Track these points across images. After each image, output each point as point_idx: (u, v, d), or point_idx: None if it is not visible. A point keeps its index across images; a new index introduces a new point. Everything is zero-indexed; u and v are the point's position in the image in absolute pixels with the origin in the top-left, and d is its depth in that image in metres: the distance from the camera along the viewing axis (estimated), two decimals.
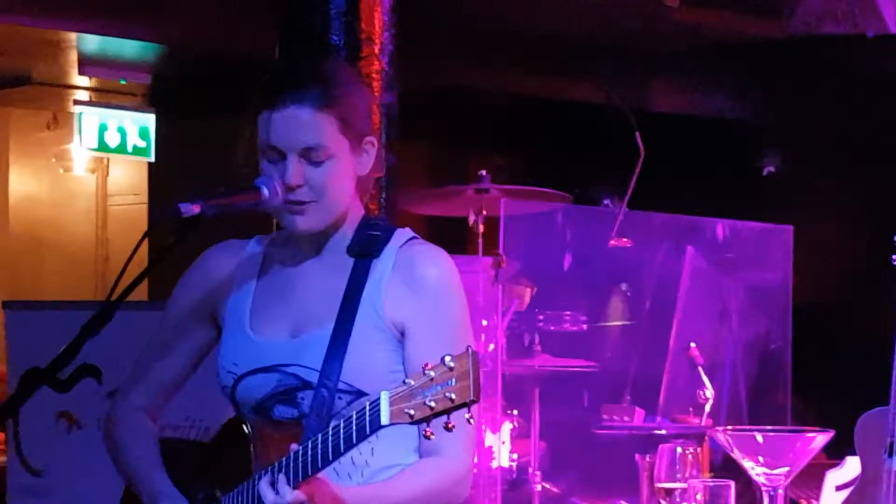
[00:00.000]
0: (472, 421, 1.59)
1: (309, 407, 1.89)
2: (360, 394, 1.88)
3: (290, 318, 1.98)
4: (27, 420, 3.59)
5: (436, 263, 1.93)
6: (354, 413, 1.60)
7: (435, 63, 4.78)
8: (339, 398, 1.85)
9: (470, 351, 1.51)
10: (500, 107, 5.71)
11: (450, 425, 1.54)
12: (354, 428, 1.59)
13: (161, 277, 2.29)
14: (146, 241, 2.10)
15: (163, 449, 2.08)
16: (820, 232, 5.00)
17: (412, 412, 1.52)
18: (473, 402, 1.49)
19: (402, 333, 1.90)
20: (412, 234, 1.97)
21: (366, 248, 1.94)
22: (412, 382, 1.55)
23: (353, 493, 1.78)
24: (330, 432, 1.69)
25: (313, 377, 1.88)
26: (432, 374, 1.54)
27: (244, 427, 1.93)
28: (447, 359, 1.52)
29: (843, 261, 4.47)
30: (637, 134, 4.56)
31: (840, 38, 4.67)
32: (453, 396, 1.49)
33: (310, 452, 1.69)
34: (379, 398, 1.55)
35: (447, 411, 1.50)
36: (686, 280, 4.75)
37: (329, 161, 1.87)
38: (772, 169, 6.44)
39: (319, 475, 1.68)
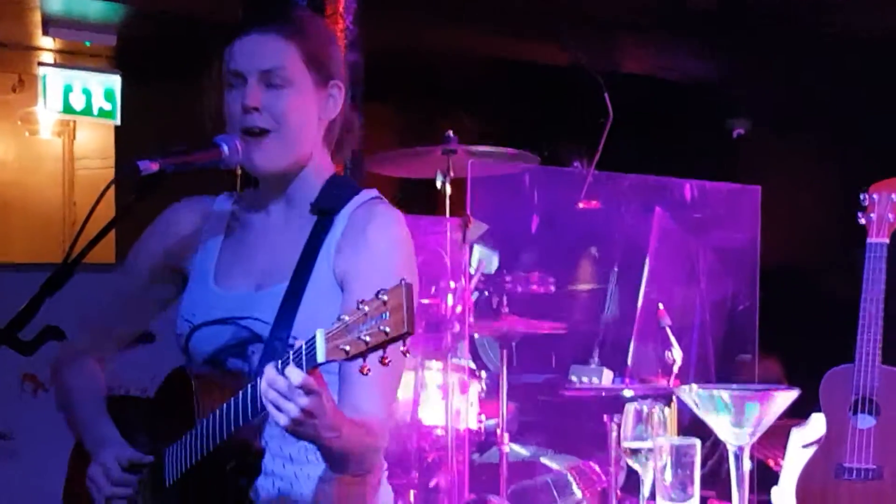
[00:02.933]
0: (388, 363, 1.52)
1: (258, 361, 1.82)
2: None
3: (254, 272, 1.93)
4: None
5: (385, 223, 1.88)
6: (291, 352, 1.55)
7: (401, 23, 4.60)
8: (287, 348, 1.76)
9: (404, 283, 1.45)
10: (468, 68, 5.57)
11: (365, 369, 1.49)
12: (292, 364, 1.54)
13: (128, 238, 2.20)
14: (113, 204, 2.09)
15: (108, 404, 2.01)
16: (788, 193, 4.92)
17: (347, 348, 1.47)
18: (408, 333, 1.45)
19: (342, 288, 1.86)
20: (376, 194, 1.91)
21: (328, 205, 1.89)
22: (346, 318, 1.51)
23: (338, 411, 1.69)
24: (269, 367, 1.63)
25: (266, 331, 1.83)
26: (366, 308, 1.49)
27: (189, 380, 1.85)
28: (381, 293, 1.47)
29: (811, 221, 4.41)
30: (606, 96, 4.41)
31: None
32: (388, 329, 1.44)
33: (249, 391, 1.63)
34: (315, 336, 1.52)
35: (382, 345, 1.46)
36: (654, 242, 4.60)
37: (289, 88, 1.82)
38: (741, 131, 6.34)
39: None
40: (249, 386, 1.64)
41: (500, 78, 5.65)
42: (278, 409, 1.53)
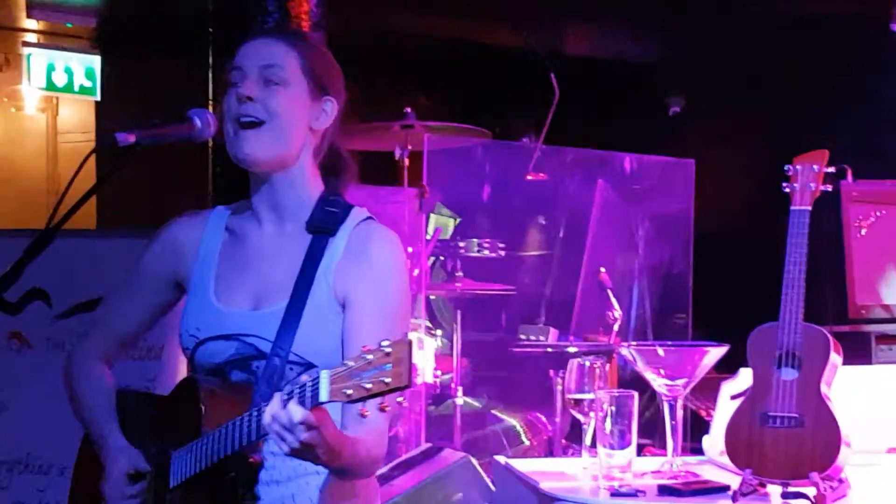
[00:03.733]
0: (387, 409, 1.56)
1: (261, 375, 1.82)
2: (309, 365, 1.84)
3: (251, 289, 1.91)
4: None
5: (385, 244, 1.87)
6: (297, 388, 1.56)
7: (363, 6, 4.65)
8: (290, 368, 1.79)
9: (406, 340, 1.48)
10: (426, 49, 5.58)
11: (364, 412, 1.50)
12: (296, 400, 1.56)
13: (107, 206, 2.34)
14: (94, 174, 2.09)
15: (120, 398, 2.03)
16: (720, 166, 5.01)
17: (349, 392, 1.48)
18: (406, 387, 1.47)
19: (344, 306, 1.83)
20: (368, 214, 1.90)
21: (324, 225, 1.87)
22: (351, 364, 1.51)
23: (340, 434, 1.70)
24: (275, 398, 1.63)
25: (267, 347, 1.82)
26: (370, 357, 1.50)
27: (198, 389, 1.86)
28: (384, 344, 1.49)
29: (741, 191, 4.44)
30: (552, 76, 4.46)
31: None
32: (388, 381, 1.46)
33: (255, 417, 1.64)
34: (319, 376, 1.52)
35: (381, 394, 1.47)
36: (597, 211, 4.71)
37: (284, 87, 1.81)
38: (677, 109, 6.39)
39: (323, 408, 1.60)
40: (255, 411, 1.66)
41: (456, 59, 5.65)
42: (281, 438, 1.55)
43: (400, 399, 1.69)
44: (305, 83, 1.85)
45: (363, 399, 1.49)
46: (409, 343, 1.48)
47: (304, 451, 1.57)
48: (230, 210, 2.00)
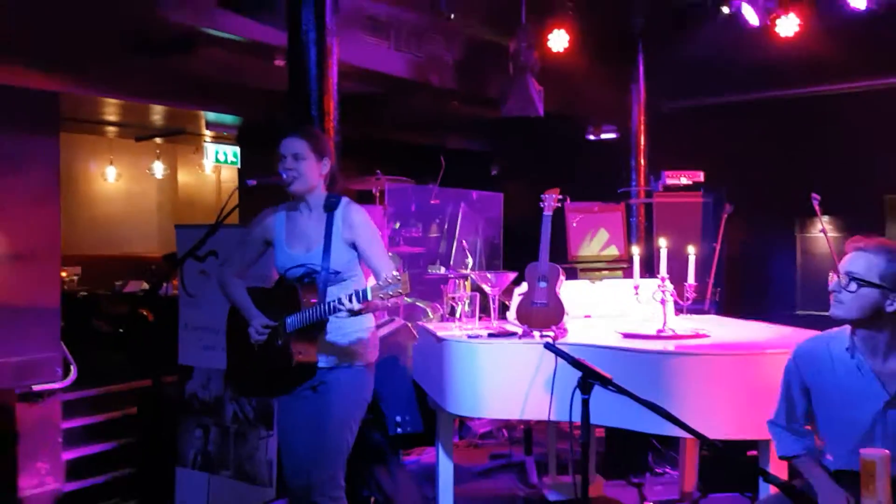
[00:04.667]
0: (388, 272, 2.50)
1: (318, 277, 2.73)
2: (337, 272, 2.75)
3: (303, 242, 2.81)
4: (188, 273, 4.45)
5: (359, 214, 2.81)
6: (359, 291, 2.46)
7: (360, 126, 6.61)
8: (329, 274, 2.70)
9: (407, 275, 2.34)
10: (389, 151, 7.98)
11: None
12: (353, 295, 2.50)
13: (245, 214, 3.10)
14: (237, 198, 2.99)
15: (250, 291, 2.90)
16: (515, 196, 6.71)
17: (381, 295, 2.42)
18: (408, 292, 2.41)
19: (353, 245, 2.76)
20: (349, 199, 2.83)
21: (330, 207, 2.79)
22: (380, 282, 2.41)
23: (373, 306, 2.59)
24: (343, 296, 2.52)
25: (318, 267, 2.74)
26: (389, 279, 2.40)
27: (294, 285, 2.74)
28: (396, 273, 2.38)
29: (523, 206, 4.90)
30: (441, 157, 6.20)
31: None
32: (400, 290, 2.39)
33: (334, 303, 2.52)
34: (367, 288, 2.45)
35: (396, 294, 2.38)
36: (462, 217, 6.54)
37: (303, 161, 2.77)
38: (496, 171, 10.03)
39: None
40: (335, 300, 2.48)
41: (400, 148, 8.22)
42: (347, 315, 2.48)
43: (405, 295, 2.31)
44: (314, 157, 2.73)
45: (388, 298, 2.39)
46: (407, 274, 2.36)
47: (356, 315, 2.57)
48: (286, 206, 2.84)
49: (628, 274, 5.09)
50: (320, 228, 2.77)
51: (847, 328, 2.41)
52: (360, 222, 2.77)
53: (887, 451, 2.13)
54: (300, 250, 2.79)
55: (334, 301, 2.54)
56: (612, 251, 6.27)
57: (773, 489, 2.14)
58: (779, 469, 2.84)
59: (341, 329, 2.81)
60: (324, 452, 2.78)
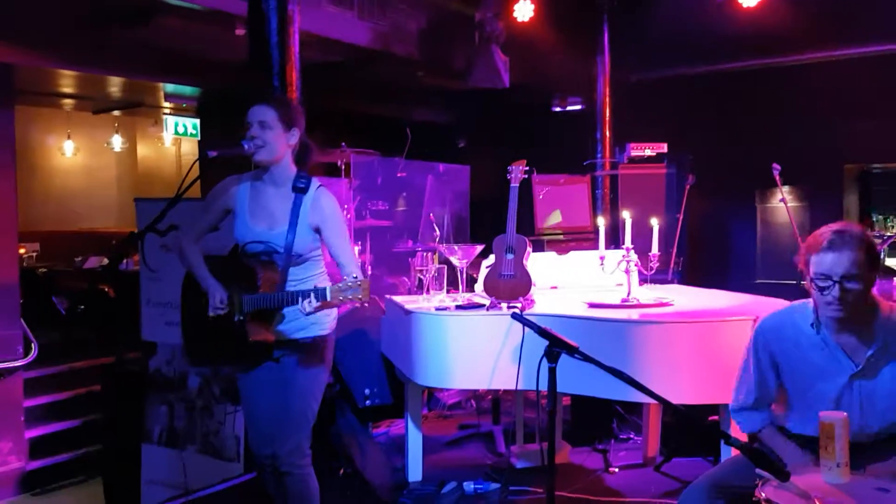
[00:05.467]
0: (353, 269, 2.55)
1: (278, 258, 2.69)
2: (299, 255, 2.70)
3: (266, 218, 2.76)
4: (150, 248, 4.38)
5: (330, 201, 2.75)
6: (316, 290, 2.45)
7: (326, 97, 6.25)
8: (291, 256, 2.66)
9: (368, 279, 2.37)
10: (355, 123, 7.99)
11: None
12: (312, 294, 2.49)
13: (205, 186, 3.04)
14: (197, 170, 2.80)
15: (206, 259, 2.85)
16: (481, 169, 6.87)
17: (340, 297, 2.44)
18: (365, 301, 2.44)
19: (318, 230, 2.73)
20: (320, 183, 2.78)
21: (301, 188, 2.75)
22: (341, 285, 2.40)
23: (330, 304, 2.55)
24: (301, 293, 2.51)
25: (279, 247, 2.71)
26: (350, 283, 2.40)
27: (251, 263, 2.70)
28: (359, 278, 2.40)
29: (490, 179, 5.26)
30: (407, 129, 6.14)
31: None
32: (360, 296, 2.43)
33: (295, 296, 2.50)
34: (326, 287, 2.43)
35: (355, 299, 2.42)
36: (428, 190, 6.61)
37: (270, 129, 2.71)
38: (463, 143, 9.92)
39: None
40: (298, 295, 2.48)
41: (367, 120, 8.16)
42: (304, 310, 2.48)
43: (362, 300, 2.40)
44: (281, 126, 2.68)
45: (346, 301, 2.42)
46: (367, 280, 2.37)
47: (314, 313, 2.58)
48: (251, 176, 2.79)
49: (594, 245, 5.05)
50: (286, 208, 2.73)
51: (810, 301, 2.41)
52: (331, 213, 2.75)
53: (845, 414, 2.18)
54: (263, 226, 2.76)
55: (293, 296, 2.55)
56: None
57: (734, 451, 2.15)
58: (739, 432, 2.89)
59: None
60: (288, 423, 2.78)
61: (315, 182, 2.77)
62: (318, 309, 2.51)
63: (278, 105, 2.76)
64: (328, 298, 2.45)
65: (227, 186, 2.86)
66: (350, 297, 2.40)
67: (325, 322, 2.83)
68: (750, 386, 2.53)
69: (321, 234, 2.74)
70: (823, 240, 2.26)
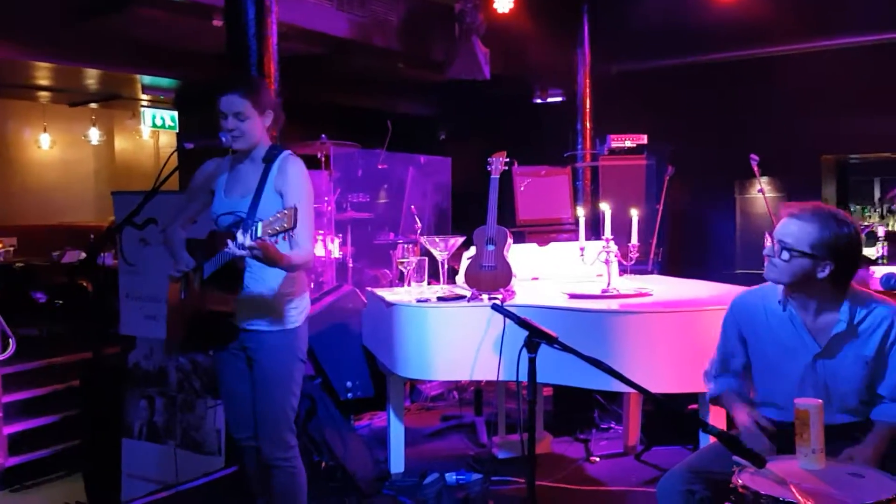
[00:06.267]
0: (302, 232, 2.46)
1: (244, 226, 2.58)
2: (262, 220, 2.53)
3: (239, 191, 2.80)
4: (127, 241, 4.41)
5: (295, 166, 2.75)
6: (251, 230, 2.38)
7: (306, 86, 6.47)
8: (255, 222, 2.50)
9: (294, 207, 2.32)
10: (335, 115, 8.00)
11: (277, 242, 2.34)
12: (249, 236, 2.41)
13: (183, 177, 3.01)
14: (176, 161, 2.78)
15: (187, 241, 2.84)
16: (461, 161, 6.94)
17: (270, 231, 2.37)
18: (293, 228, 2.33)
19: (281, 195, 2.70)
20: (290, 152, 2.82)
21: (269, 158, 2.77)
22: (271, 219, 2.36)
23: (277, 251, 2.47)
24: (236, 228, 2.52)
25: (244, 214, 2.71)
26: (279, 215, 2.37)
27: (220, 235, 2.67)
28: (286, 209, 2.35)
29: (471, 170, 5.33)
30: (388, 122, 6.09)
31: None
32: (286, 224, 2.36)
33: (233, 245, 2.46)
34: (258, 224, 2.37)
35: (284, 230, 2.35)
36: (409, 182, 6.69)
37: (247, 119, 2.72)
38: (443, 136, 9.97)
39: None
40: (231, 243, 2.42)
41: (349, 115, 8.09)
42: (244, 253, 2.40)
43: (293, 233, 2.34)
44: (256, 113, 2.71)
45: (277, 234, 2.33)
46: (296, 208, 2.29)
47: (259, 258, 2.42)
48: (231, 157, 2.84)
49: (574, 236, 5.05)
50: (256, 177, 2.75)
51: None
52: (293, 176, 2.72)
53: (821, 401, 2.20)
54: (235, 198, 2.79)
55: (231, 236, 2.50)
56: None
57: (712, 439, 2.18)
58: (718, 421, 2.93)
59: (263, 281, 2.76)
60: (270, 418, 2.80)
61: (286, 152, 2.79)
62: (260, 252, 2.42)
63: (251, 93, 2.74)
64: (259, 234, 2.37)
65: (207, 167, 2.89)
66: (278, 228, 2.34)
67: (294, 315, 2.82)
68: (719, 356, 2.59)
69: (283, 199, 2.70)
70: (795, 208, 2.36)
